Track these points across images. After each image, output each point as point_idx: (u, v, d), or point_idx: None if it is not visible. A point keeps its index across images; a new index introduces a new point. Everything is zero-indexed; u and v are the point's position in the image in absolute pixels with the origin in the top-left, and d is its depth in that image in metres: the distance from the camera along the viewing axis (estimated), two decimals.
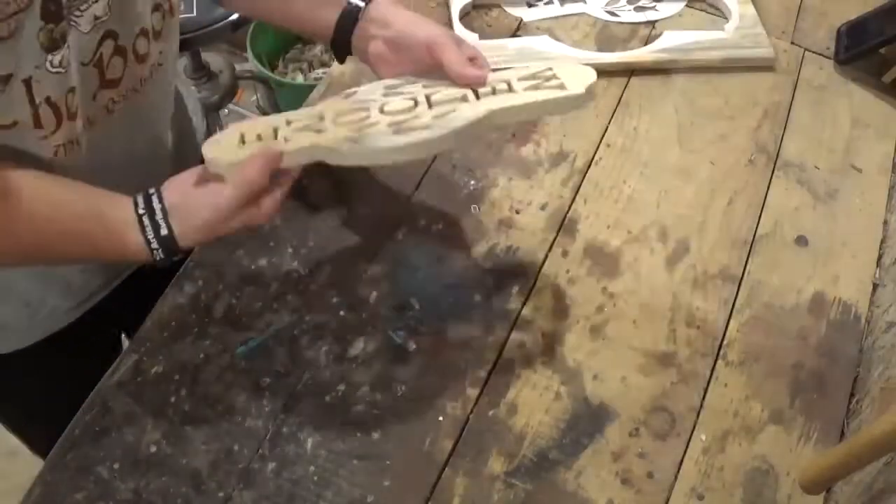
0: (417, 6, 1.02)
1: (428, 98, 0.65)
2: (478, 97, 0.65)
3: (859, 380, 0.76)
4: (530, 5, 1.04)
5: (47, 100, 0.59)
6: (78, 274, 0.80)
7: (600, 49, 0.99)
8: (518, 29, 1.02)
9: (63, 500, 0.65)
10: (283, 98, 2.00)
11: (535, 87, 0.65)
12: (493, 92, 0.65)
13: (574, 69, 0.66)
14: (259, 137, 0.63)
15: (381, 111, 0.65)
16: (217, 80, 1.70)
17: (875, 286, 0.83)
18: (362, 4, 0.71)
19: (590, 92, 0.65)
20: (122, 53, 0.64)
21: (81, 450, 0.67)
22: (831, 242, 0.85)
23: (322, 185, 0.84)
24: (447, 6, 1.01)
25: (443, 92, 0.65)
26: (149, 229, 0.61)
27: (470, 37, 0.97)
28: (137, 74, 0.68)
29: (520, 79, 0.67)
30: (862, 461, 0.64)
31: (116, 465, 0.66)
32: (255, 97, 2.12)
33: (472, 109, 0.64)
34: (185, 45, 1.42)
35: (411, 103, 0.65)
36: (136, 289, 0.83)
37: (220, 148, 0.63)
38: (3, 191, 0.58)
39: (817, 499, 0.69)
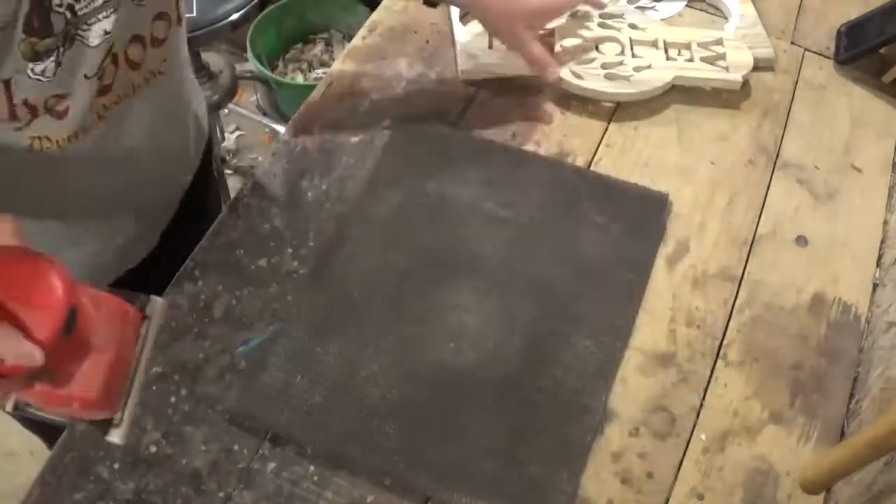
0: (417, 6, 1.02)
1: (631, 44, 0.92)
2: (667, 53, 0.91)
3: (859, 380, 0.76)
4: None
5: (24, 101, 0.59)
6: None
7: None
8: None
9: (63, 500, 0.65)
10: (283, 98, 2.00)
11: (709, 62, 0.90)
12: (679, 53, 0.91)
13: (738, 52, 0.90)
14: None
15: (598, 49, 0.91)
16: (217, 80, 1.70)
17: (875, 286, 0.83)
18: None
19: (745, 81, 0.86)
20: (114, 60, 0.65)
21: (81, 450, 0.67)
22: (831, 242, 0.85)
23: (322, 186, 0.84)
24: (447, 6, 1.01)
25: (642, 39, 0.92)
26: None
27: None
28: (129, 80, 0.68)
29: (699, 45, 0.92)
30: (862, 461, 0.64)
31: (116, 465, 0.66)
32: (255, 97, 2.12)
33: (661, 73, 0.89)
34: None
35: (619, 48, 0.92)
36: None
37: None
38: None
39: (817, 499, 0.69)
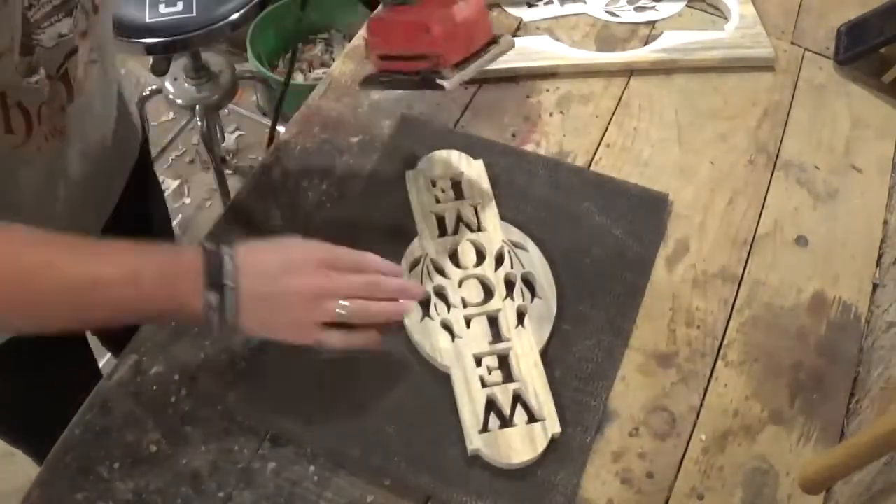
0: None
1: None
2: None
3: (859, 380, 0.76)
4: (530, 5, 1.04)
5: (18, 104, 0.59)
6: None
7: (600, 49, 0.99)
8: (518, 29, 1.02)
9: (63, 501, 0.65)
10: None
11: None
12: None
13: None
14: None
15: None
16: (217, 80, 1.70)
17: (875, 286, 0.83)
18: None
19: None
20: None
21: (81, 450, 0.67)
22: (831, 242, 0.85)
23: (323, 185, 0.84)
24: None
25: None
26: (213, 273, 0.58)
27: None
28: (78, 68, 0.67)
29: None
30: (862, 461, 0.64)
31: (116, 465, 0.66)
32: (255, 97, 2.12)
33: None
34: (185, 46, 1.42)
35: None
36: None
37: None
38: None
39: (817, 499, 0.69)
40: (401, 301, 0.65)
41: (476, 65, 0.71)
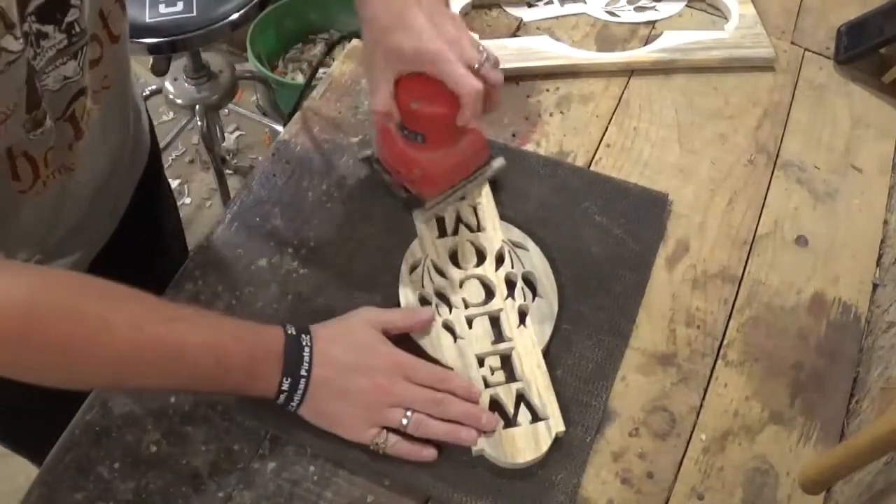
0: None
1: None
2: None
3: (859, 380, 0.76)
4: (530, 5, 1.04)
5: (24, 153, 0.59)
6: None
7: (600, 49, 0.99)
8: (518, 29, 1.02)
9: (63, 501, 0.65)
10: (282, 98, 2.00)
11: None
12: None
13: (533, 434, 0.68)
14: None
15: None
16: (217, 80, 1.70)
17: (875, 286, 0.83)
18: None
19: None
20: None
21: (81, 450, 0.67)
22: (831, 242, 0.85)
23: (323, 185, 0.84)
24: (447, 6, 1.01)
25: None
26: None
27: None
28: (86, 107, 0.67)
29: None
30: (862, 461, 0.64)
31: (116, 465, 0.66)
32: (255, 97, 2.12)
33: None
34: (185, 46, 1.43)
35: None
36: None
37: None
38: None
39: (817, 499, 0.69)
40: (467, 426, 0.66)
41: (458, 193, 0.79)
